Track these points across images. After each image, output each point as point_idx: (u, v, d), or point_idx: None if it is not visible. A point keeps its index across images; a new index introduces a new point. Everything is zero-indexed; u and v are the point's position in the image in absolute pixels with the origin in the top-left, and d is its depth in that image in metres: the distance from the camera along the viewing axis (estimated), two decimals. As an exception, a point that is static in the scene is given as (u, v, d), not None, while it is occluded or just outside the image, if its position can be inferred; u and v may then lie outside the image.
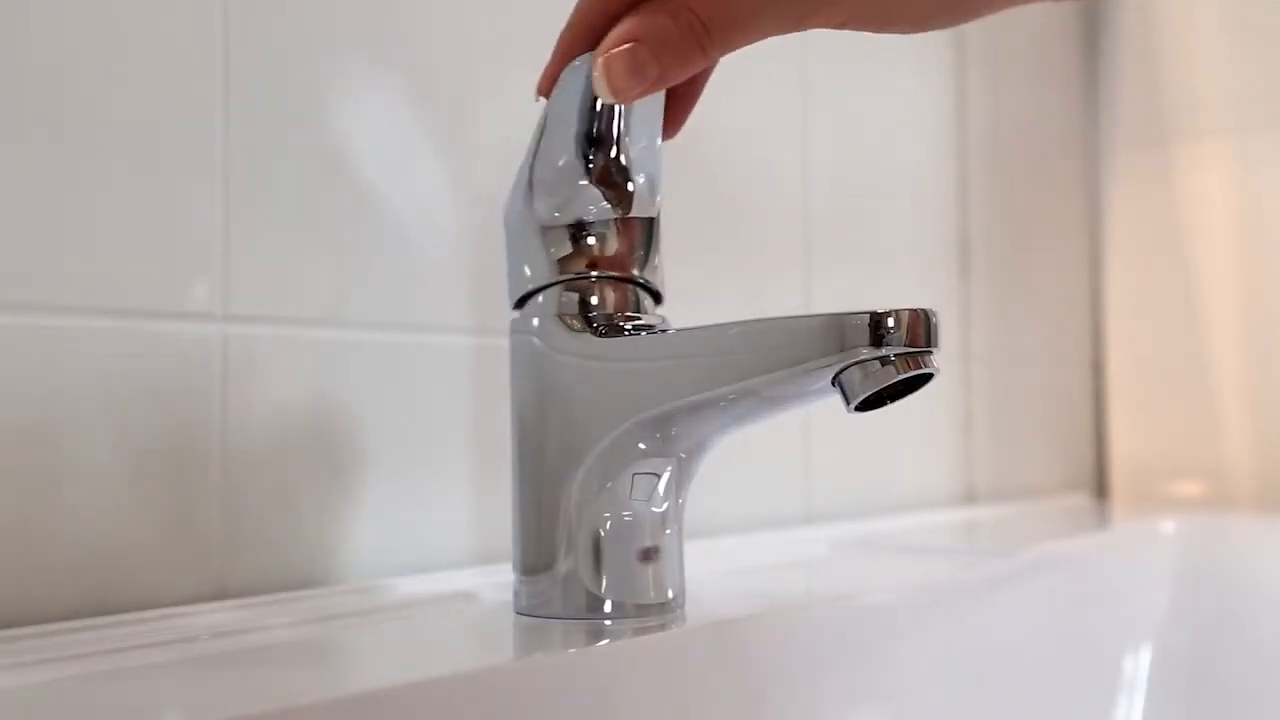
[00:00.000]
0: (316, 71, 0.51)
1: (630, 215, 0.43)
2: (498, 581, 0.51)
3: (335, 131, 0.52)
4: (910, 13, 0.41)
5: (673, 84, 0.39)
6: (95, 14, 0.44)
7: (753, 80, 0.73)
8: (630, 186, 0.43)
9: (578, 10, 0.41)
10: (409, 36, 0.55)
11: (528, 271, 0.44)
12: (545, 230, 0.43)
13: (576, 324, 0.43)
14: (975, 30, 0.93)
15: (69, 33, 0.44)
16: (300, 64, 0.51)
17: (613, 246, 0.43)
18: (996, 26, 0.97)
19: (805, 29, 0.39)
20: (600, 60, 0.39)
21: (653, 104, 0.43)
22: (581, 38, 0.41)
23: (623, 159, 0.43)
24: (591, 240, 0.43)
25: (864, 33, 0.41)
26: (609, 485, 0.43)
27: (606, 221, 0.43)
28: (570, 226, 0.43)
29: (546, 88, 0.43)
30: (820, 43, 0.78)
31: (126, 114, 0.45)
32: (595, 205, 0.43)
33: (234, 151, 0.48)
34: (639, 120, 0.43)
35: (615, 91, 0.39)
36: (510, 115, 0.59)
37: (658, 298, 0.45)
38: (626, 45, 0.38)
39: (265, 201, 0.49)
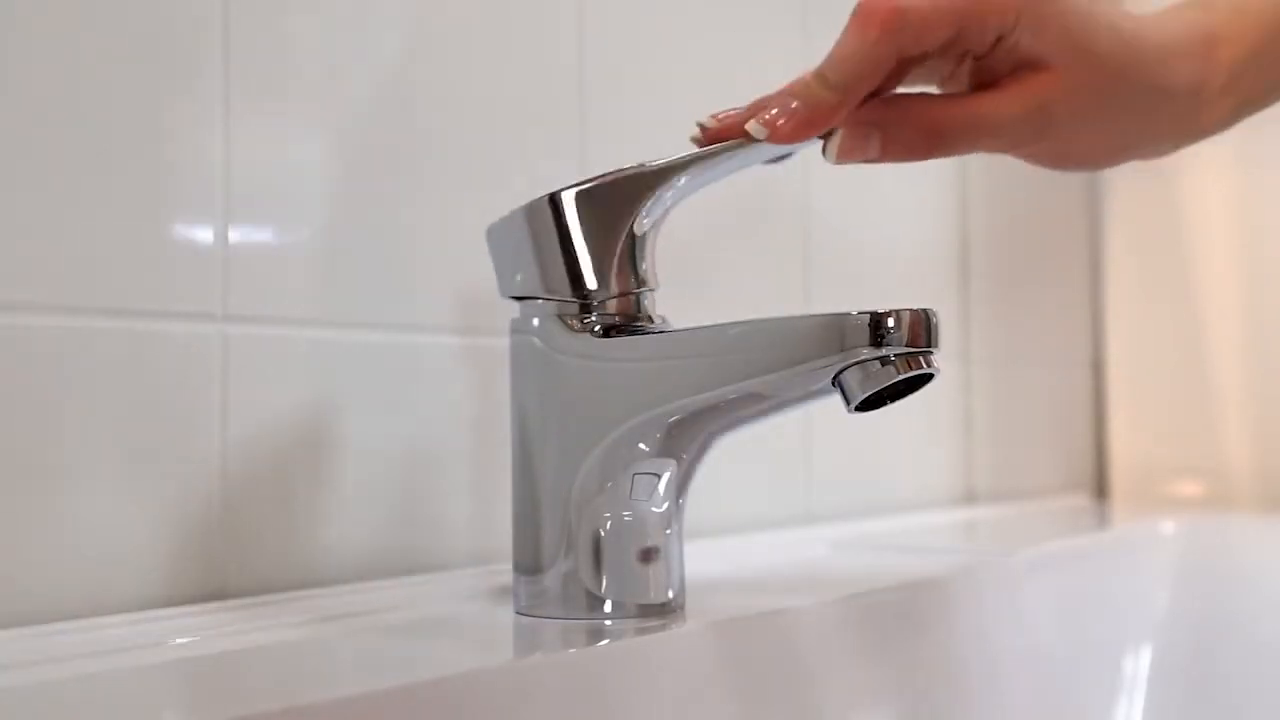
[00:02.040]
0: (318, 69, 0.51)
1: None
2: (498, 582, 0.51)
3: (336, 132, 0.52)
4: (1088, 156, 0.48)
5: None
6: (95, 13, 0.44)
7: (753, 74, 0.73)
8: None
9: (851, 82, 0.42)
10: (405, 35, 0.55)
11: (519, 278, 0.44)
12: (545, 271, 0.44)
13: (576, 324, 0.43)
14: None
15: (69, 32, 0.44)
16: (301, 61, 0.51)
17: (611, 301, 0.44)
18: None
19: (1003, 154, 0.46)
20: (839, 134, 0.43)
21: None
22: (847, 106, 0.43)
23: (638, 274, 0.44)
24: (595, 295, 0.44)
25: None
26: (609, 485, 0.43)
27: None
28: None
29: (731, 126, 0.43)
30: (821, 43, 0.78)
31: (127, 113, 0.45)
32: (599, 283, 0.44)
33: (234, 151, 0.48)
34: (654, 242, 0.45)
35: (838, 158, 0.44)
36: (511, 120, 0.59)
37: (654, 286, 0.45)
38: (866, 129, 0.43)
39: (265, 201, 0.49)
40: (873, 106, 0.43)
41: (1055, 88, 0.43)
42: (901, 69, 0.43)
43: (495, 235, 0.45)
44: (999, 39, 0.43)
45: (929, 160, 0.45)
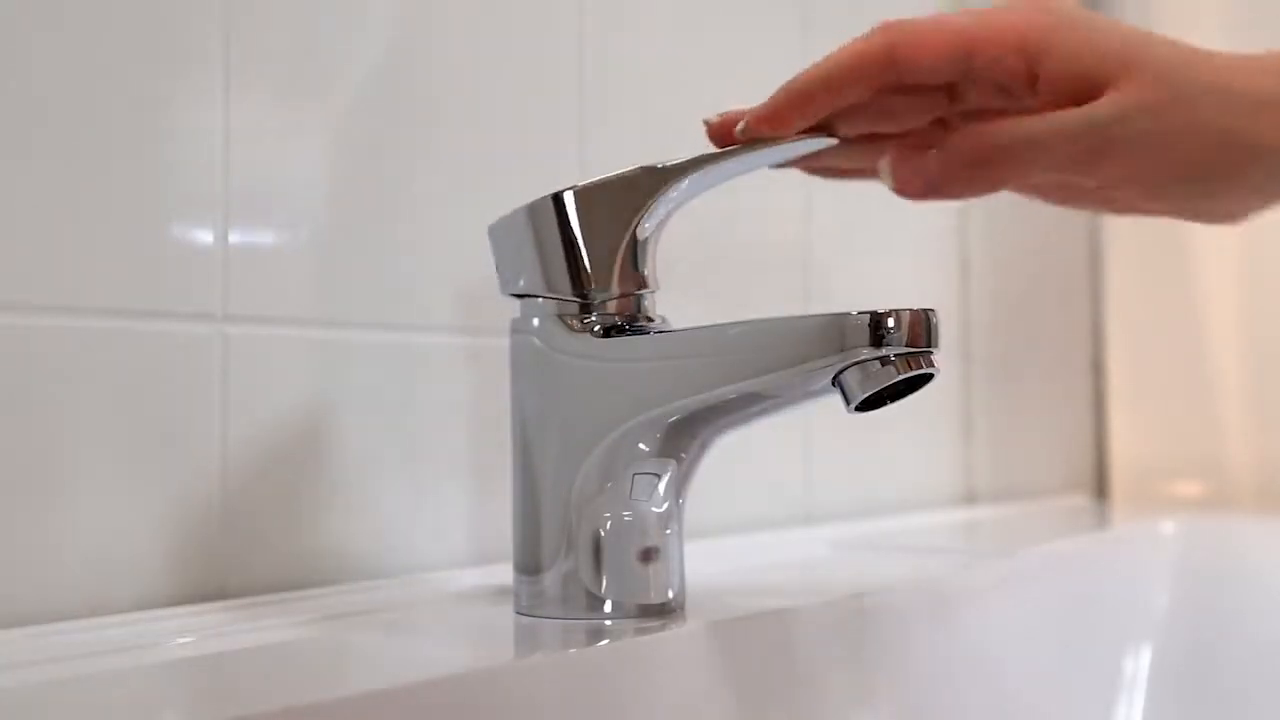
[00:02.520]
0: (318, 69, 0.51)
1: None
2: (498, 581, 0.51)
3: (335, 132, 0.52)
4: (1155, 191, 0.44)
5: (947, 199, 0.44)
6: (94, 11, 0.44)
7: (752, 74, 0.73)
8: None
9: (804, 86, 0.43)
10: (405, 35, 0.55)
11: (523, 283, 0.44)
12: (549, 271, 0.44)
13: (576, 324, 0.43)
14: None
15: (68, 32, 0.44)
16: (301, 61, 0.51)
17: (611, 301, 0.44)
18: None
19: (1065, 197, 0.45)
20: (890, 164, 0.43)
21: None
22: (822, 104, 0.43)
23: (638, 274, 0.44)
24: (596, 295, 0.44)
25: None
26: (609, 485, 0.43)
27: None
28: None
29: (761, 127, 0.44)
30: (820, 42, 0.78)
31: (127, 113, 0.45)
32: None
33: (234, 151, 0.48)
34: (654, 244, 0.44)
35: (901, 193, 0.43)
36: (511, 120, 0.59)
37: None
38: (920, 150, 0.43)
39: (265, 201, 0.49)
40: (926, 130, 0.44)
41: (1108, 103, 0.41)
42: (916, 96, 0.44)
43: (498, 233, 0.45)
44: (1031, 69, 0.42)
45: (990, 193, 0.44)
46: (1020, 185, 0.46)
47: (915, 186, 0.43)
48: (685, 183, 0.43)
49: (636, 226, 0.43)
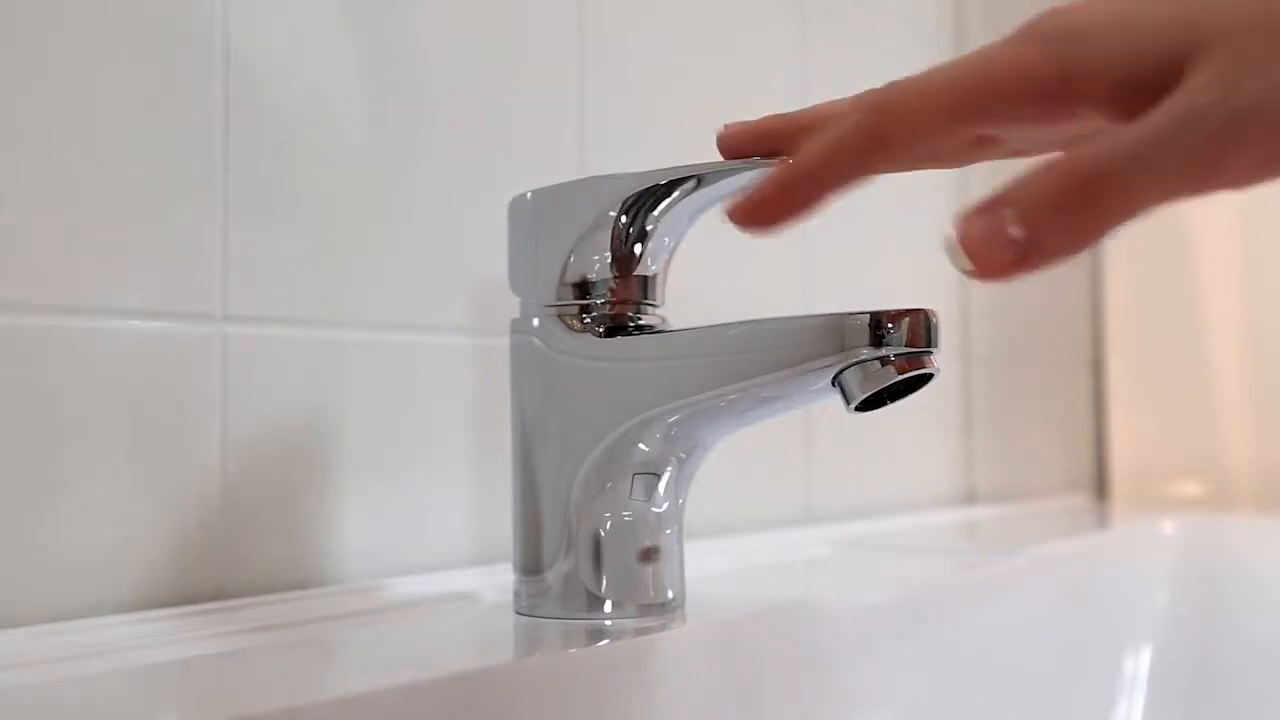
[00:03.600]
0: (317, 68, 0.51)
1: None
2: (498, 581, 0.51)
3: (335, 130, 0.52)
4: None
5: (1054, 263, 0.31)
6: (93, 11, 0.44)
7: (751, 74, 0.73)
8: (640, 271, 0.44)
9: (822, 169, 0.38)
10: (404, 35, 0.55)
11: (524, 266, 0.44)
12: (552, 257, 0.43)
13: (577, 324, 0.43)
14: (975, 28, 0.93)
15: (67, 30, 0.44)
16: (300, 60, 0.51)
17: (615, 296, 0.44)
18: (995, 24, 0.96)
19: (1208, 182, 0.31)
20: (958, 239, 0.31)
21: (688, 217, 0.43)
22: (811, 197, 0.38)
23: (642, 263, 0.43)
24: (596, 296, 0.43)
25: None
26: (609, 485, 0.43)
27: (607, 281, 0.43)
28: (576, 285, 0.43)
29: (734, 144, 0.40)
30: (819, 44, 0.78)
31: (126, 113, 0.45)
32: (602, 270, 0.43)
33: (234, 150, 0.48)
34: (669, 229, 0.43)
35: (984, 275, 0.31)
36: (512, 120, 0.59)
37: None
38: (987, 207, 0.31)
39: (265, 201, 0.49)
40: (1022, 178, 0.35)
41: (1204, 78, 0.30)
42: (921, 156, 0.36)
43: (514, 213, 0.45)
44: (1058, 104, 0.32)
45: (1099, 241, 0.32)
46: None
47: (1000, 260, 0.31)
48: (693, 189, 0.42)
49: (639, 227, 0.43)
